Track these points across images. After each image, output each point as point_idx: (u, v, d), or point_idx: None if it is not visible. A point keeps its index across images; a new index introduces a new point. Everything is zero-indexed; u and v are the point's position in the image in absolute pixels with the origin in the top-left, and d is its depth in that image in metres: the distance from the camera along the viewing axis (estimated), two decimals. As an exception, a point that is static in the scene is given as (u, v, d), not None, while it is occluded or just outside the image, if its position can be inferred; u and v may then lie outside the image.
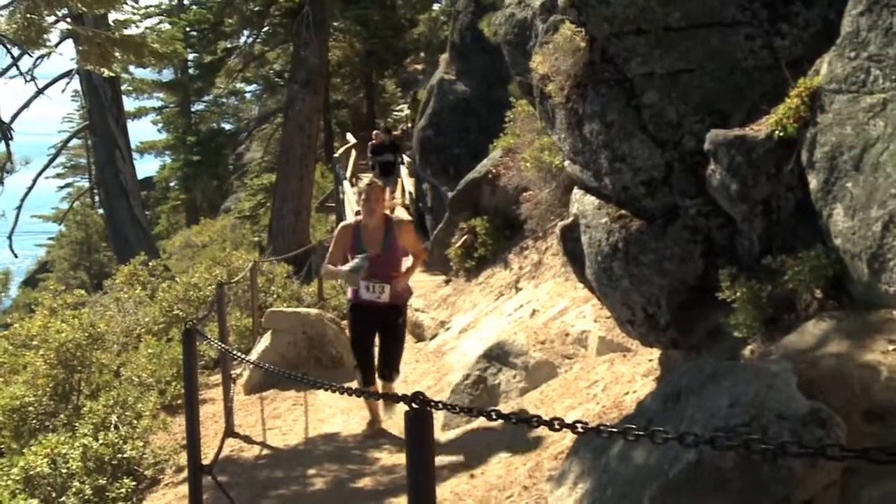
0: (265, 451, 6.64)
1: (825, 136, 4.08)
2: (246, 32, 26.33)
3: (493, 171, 10.81)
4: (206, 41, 25.67)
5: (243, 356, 4.93)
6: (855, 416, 3.17)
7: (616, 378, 5.90)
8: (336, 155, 23.85)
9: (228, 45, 26.84)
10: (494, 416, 2.32)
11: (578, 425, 2.11)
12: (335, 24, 28.22)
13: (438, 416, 6.30)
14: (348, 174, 21.24)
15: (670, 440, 1.84)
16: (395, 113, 31.71)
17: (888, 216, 3.68)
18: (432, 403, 2.37)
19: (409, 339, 10.20)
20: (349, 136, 27.39)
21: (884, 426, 3.08)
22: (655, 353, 5.72)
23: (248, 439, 6.93)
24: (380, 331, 6.24)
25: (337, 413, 7.42)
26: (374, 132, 18.73)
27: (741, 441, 1.66)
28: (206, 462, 4.82)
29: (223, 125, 37.15)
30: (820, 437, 2.91)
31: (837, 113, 4.04)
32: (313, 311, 9.90)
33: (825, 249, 4.10)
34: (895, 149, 3.70)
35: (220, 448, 6.37)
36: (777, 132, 4.29)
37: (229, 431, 6.93)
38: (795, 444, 1.60)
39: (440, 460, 5.48)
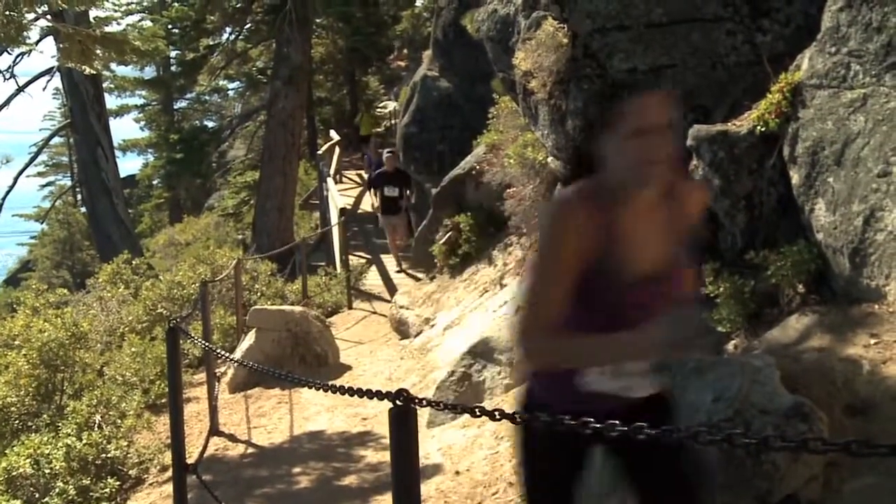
0: (250, 450, 6.62)
1: (806, 131, 4.10)
2: (228, 29, 26.20)
3: (477, 167, 10.80)
4: (188, 38, 25.51)
5: (227, 354, 4.91)
6: (837, 410, 3.19)
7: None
8: (320, 152, 23.78)
9: (211, 43, 26.68)
10: (479, 413, 2.31)
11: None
12: (318, 20, 28.13)
13: (423, 414, 6.30)
14: (332, 171, 21.19)
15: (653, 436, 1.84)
16: (379, 110, 31.63)
17: (869, 210, 3.70)
18: (416, 400, 2.37)
19: (394, 336, 10.21)
20: (333, 134, 27.32)
21: (865, 420, 3.10)
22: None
23: (232, 438, 6.90)
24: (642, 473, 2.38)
25: (322, 411, 7.40)
26: (385, 156, 14.47)
27: (724, 436, 1.66)
28: (190, 461, 4.80)
29: (206, 123, 37.01)
30: (803, 432, 2.93)
31: (818, 108, 4.07)
32: (298, 308, 9.87)
33: (807, 244, 4.13)
34: (875, 143, 3.72)
35: (205, 447, 6.34)
36: (759, 127, 4.32)
37: (214, 430, 6.91)
38: (778, 437, 1.61)
39: (425, 457, 5.48)
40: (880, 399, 3.13)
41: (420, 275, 10.22)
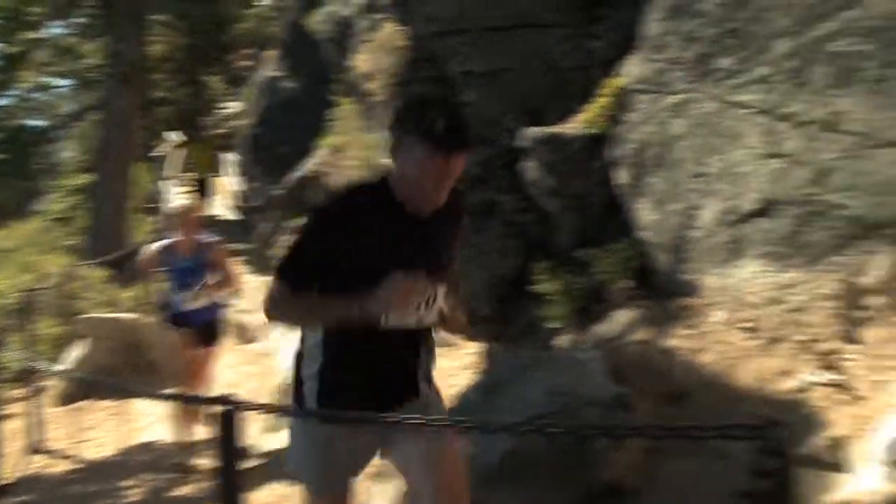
0: (78, 466, 6.25)
1: (632, 133, 4.28)
2: (55, 23, 24.76)
3: (320, 169, 10.69)
4: (7, 31, 23.95)
5: (51, 366, 4.62)
6: (657, 399, 3.34)
7: (439, 372, 5.94)
8: (158, 154, 22.91)
9: (35, 37, 25.16)
10: (302, 416, 2.27)
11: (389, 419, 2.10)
12: (154, 17, 27.07)
13: (269, 418, 6.14)
14: (171, 174, 20.47)
15: (475, 430, 1.86)
16: (221, 111, 30.80)
17: (686, 209, 3.91)
18: (240, 405, 2.30)
19: (237, 341, 9.90)
20: (172, 136, 26.39)
21: (681, 407, 3.26)
22: (477, 346, 5.81)
23: (58, 454, 6.50)
24: None
25: (155, 421, 7.10)
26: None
27: (536, 426, 1.70)
28: (7, 482, 4.48)
29: (32, 122, 34.90)
30: (624, 420, 3.04)
31: (642, 112, 4.26)
32: (132, 315, 9.44)
33: (632, 242, 4.31)
34: (693, 146, 3.93)
35: (24, 466, 5.94)
36: (588, 130, 4.47)
37: (36, 447, 6.48)
38: (589, 426, 1.66)
39: (259, 464, 5.34)
40: (693, 387, 3.30)
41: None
